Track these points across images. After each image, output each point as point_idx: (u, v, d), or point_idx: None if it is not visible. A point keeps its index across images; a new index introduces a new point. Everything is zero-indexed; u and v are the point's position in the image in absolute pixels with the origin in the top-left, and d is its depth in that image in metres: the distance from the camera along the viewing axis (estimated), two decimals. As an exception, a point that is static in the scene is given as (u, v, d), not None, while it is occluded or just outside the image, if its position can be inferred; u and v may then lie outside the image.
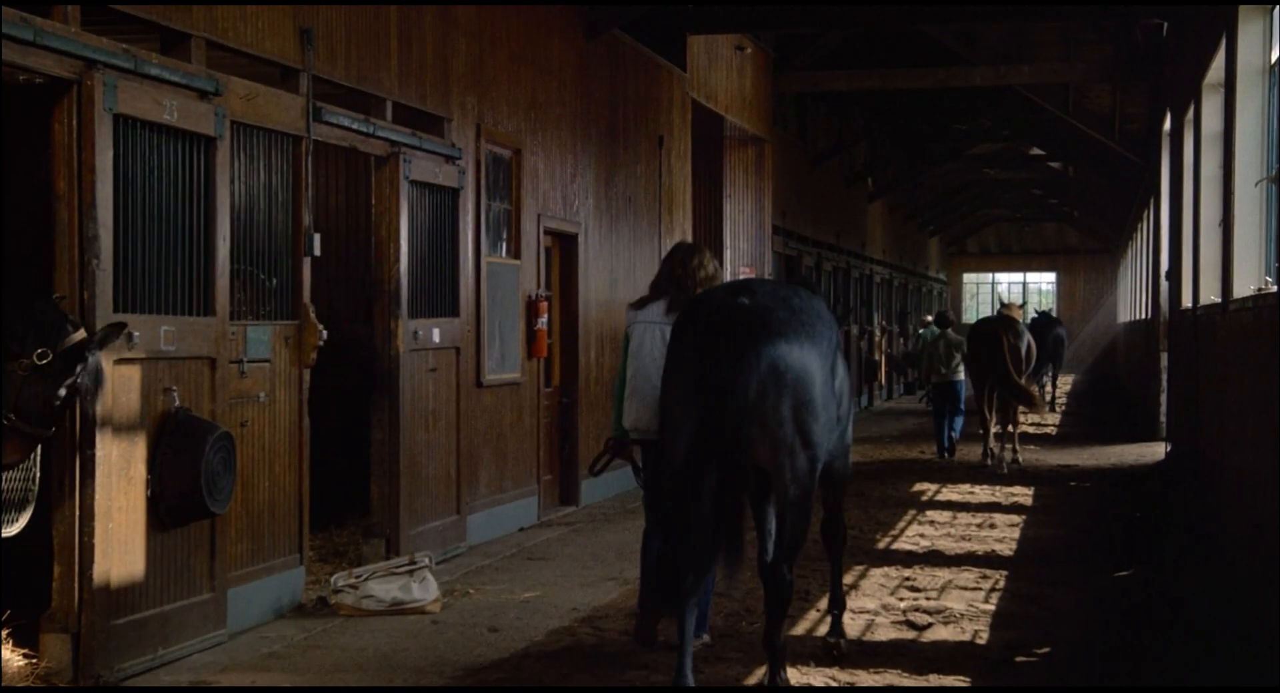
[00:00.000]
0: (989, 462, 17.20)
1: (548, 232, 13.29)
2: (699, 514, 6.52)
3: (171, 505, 7.37)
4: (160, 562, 7.42)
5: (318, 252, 9.02)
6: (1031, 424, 24.66)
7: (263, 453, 8.49)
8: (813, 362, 6.52)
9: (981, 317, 22.87)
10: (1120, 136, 24.80)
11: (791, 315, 6.56)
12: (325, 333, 8.98)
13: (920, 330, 27.96)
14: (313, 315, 8.92)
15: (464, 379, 11.18)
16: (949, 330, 18.73)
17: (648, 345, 7.61)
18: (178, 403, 7.47)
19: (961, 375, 18.25)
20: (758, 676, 7.21)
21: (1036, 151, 34.29)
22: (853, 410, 7.81)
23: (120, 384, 7.10)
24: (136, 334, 7.12)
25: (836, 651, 7.61)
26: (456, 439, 11.10)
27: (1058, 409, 28.84)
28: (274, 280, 8.61)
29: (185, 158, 7.65)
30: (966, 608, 8.85)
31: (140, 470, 7.26)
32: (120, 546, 7.09)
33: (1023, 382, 16.81)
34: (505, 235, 12.46)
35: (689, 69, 17.97)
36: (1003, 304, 18.69)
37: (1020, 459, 17.50)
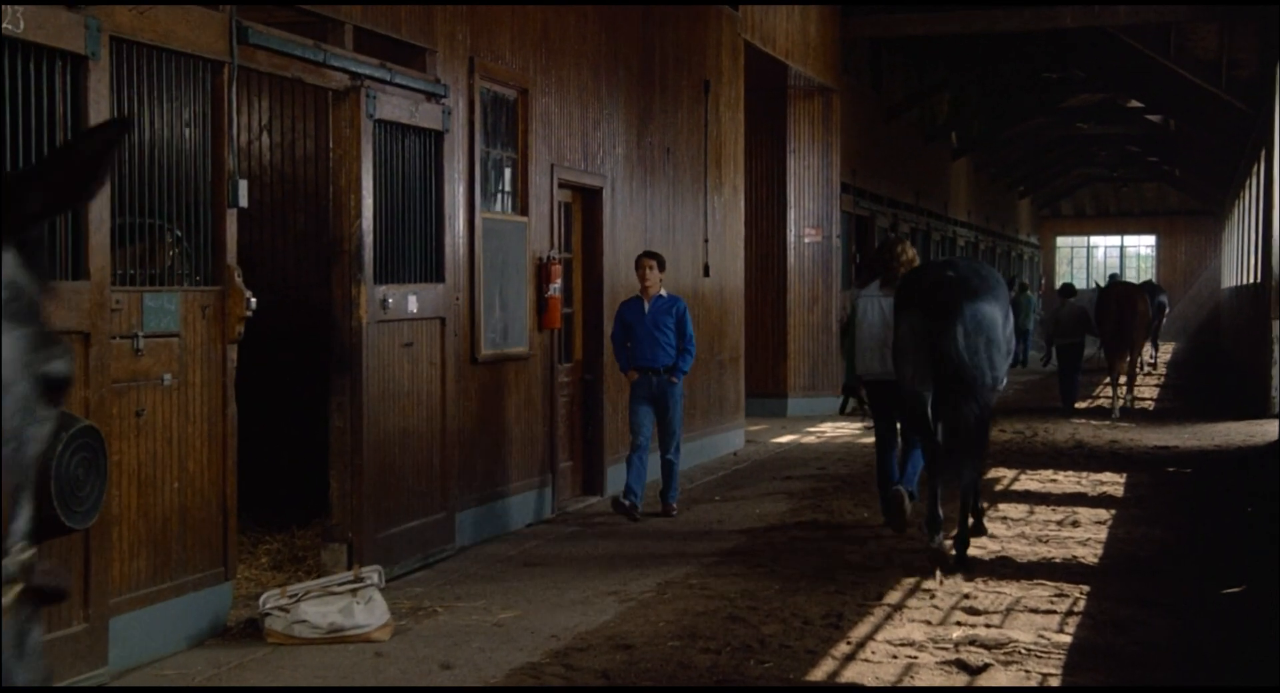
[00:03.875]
0: (1113, 411, 19.36)
1: (565, 185, 11.66)
2: (926, 421, 9.34)
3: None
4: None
5: (244, 202, 7.47)
6: (1124, 411, 22.77)
7: (169, 448, 6.98)
8: (996, 313, 9.13)
9: (1109, 280, 25.66)
10: (1227, 83, 22.66)
11: (981, 282, 9.21)
12: (254, 301, 7.45)
13: (1016, 296, 28.54)
14: (238, 280, 7.39)
15: (452, 355, 9.61)
16: (1072, 299, 20.92)
17: (870, 313, 10.37)
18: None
19: (1083, 339, 20.59)
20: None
21: (1134, 104, 31.98)
22: (1014, 354, 10.29)
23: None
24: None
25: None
26: (442, 424, 9.55)
27: (1154, 373, 28.66)
28: (178, 234, 7.08)
29: (45, 80, 6.13)
30: (1035, 640, 7.12)
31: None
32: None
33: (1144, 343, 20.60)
34: (508, 188, 10.85)
35: (741, 9, 16.20)
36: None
37: (1133, 405, 20.48)
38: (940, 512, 9.24)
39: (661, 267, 11.32)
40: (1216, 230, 46.58)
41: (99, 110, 6.36)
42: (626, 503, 10.88)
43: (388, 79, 8.80)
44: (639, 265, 11.35)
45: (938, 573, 8.58)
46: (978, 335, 8.91)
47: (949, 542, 9.16)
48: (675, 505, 11.42)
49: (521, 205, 10.93)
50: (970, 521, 9.42)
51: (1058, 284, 43.86)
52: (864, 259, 10.57)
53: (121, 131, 1.72)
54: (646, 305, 11.15)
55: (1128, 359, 20.21)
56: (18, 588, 1.57)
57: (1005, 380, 9.75)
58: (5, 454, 1.52)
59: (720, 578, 8.78)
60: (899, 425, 10.31)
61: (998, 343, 9.09)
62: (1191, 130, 31.81)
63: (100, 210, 6.38)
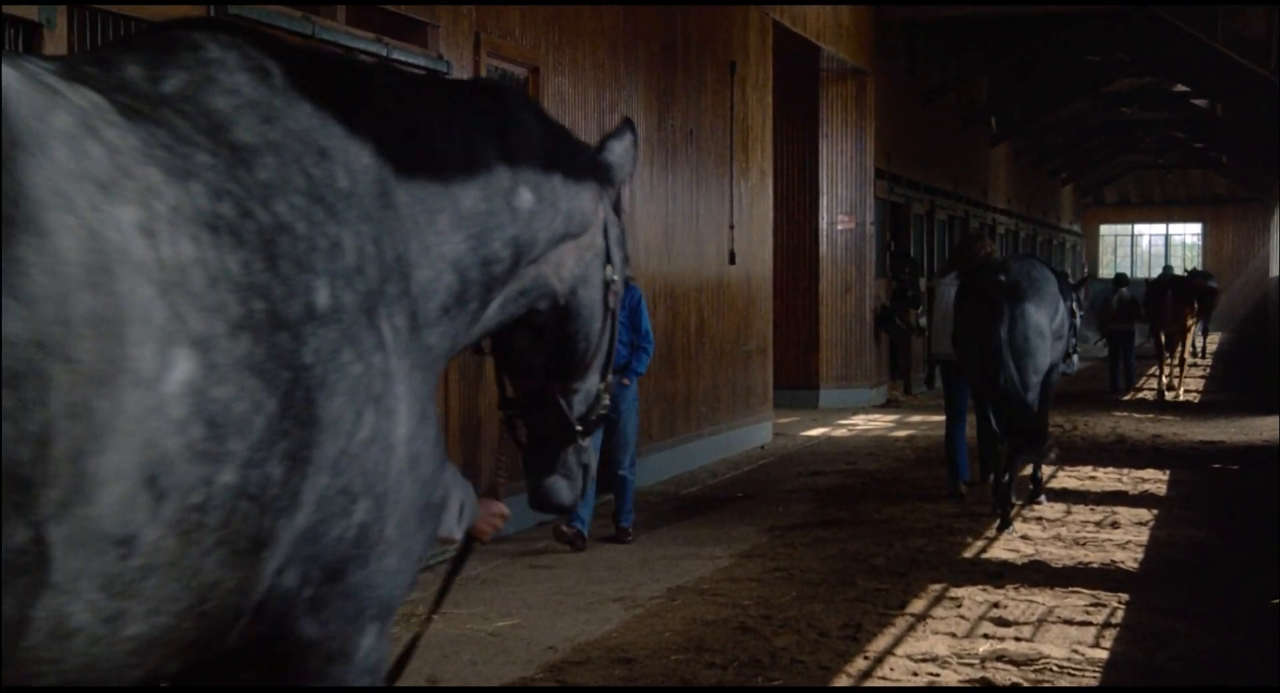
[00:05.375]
0: (1160, 393, 20.67)
1: (579, 168, 11.15)
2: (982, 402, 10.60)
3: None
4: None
5: (223, 184, 7.01)
6: (1172, 394, 22.11)
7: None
8: (1041, 312, 10.13)
9: (1161, 272, 27.11)
10: (1277, 66, 21.85)
11: (1030, 284, 10.16)
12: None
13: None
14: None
15: (455, 345, 9.13)
16: (1124, 288, 22.03)
17: (946, 301, 11.44)
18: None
19: (1133, 326, 21.88)
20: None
21: (1180, 88, 31.18)
22: (1074, 341, 11.15)
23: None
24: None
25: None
26: (444, 419, 9.08)
27: (1201, 363, 28.73)
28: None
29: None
30: (1068, 657, 6.59)
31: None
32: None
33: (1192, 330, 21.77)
34: (519, 171, 10.36)
35: (770, -14, 15.67)
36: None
37: (1181, 394, 21.02)
38: (1006, 477, 10.09)
39: None
40: (1265, 218, 45.57)
41: (56, 83, 5.91)
42: (569, 531, 9.31)
43: (384, 54, 8.32)
44: None
45: (997, 525, 9.90)
46: (1021, 333, 9.97)
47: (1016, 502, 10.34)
48: (631, 530, 9.80)
49: (532, 189, 10.43)
50: (1016, 485, 10.54)
51: (1101, 273, 43.23)
52: (952, 252, 12.20)
53: None
54: None
55: (1177, 348, 21.32)
56: None
57: (1073, 365, 11.27)
58: None
59: (735, 583, 8.28)
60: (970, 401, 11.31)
61: (1043, 336, 10.15)
62: (1239, 115, 30.95)
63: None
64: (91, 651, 1.95)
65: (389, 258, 2.42)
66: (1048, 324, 10.16)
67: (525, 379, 3.25)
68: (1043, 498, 11.04)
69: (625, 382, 9.48)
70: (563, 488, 3.31)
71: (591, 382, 3.27)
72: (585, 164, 3.14)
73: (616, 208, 3.33)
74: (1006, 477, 9.98)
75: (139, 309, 1.89)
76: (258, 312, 2.09)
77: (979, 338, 10.01)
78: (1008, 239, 31.75)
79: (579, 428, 3.27)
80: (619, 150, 3.30)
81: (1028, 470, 11.09)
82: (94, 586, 1.89)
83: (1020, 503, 10.56)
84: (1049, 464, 11.12)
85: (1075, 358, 11.29)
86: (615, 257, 3.24)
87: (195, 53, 2.31)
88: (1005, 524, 9.83)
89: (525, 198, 2.85)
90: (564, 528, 9.28)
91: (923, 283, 22.68)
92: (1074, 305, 10.88)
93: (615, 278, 3.23)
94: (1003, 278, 10.10)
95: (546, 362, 3.19)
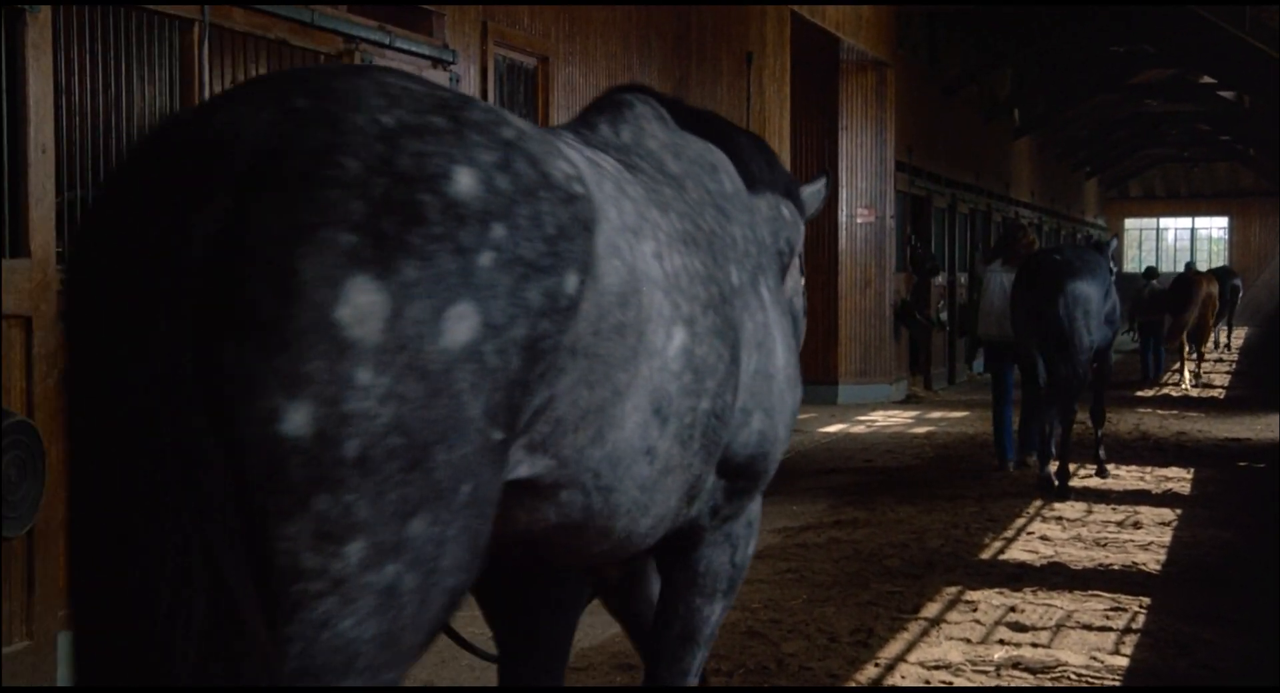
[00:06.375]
0: (1187, 383, 21.90)
1: (590, 160, 10.95)
2: (1036, 374, 11.40)
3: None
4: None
5: (217, 175, 6.83)
6: (1197, 387, 21.82)
7: (129, 443, 6.35)
8: (1093, 291, 10.99)
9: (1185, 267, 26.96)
10: (1305, 57, 21.51)
11: (1083, 264, 11.09)
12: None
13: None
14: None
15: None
16: (1154, 281, 23.18)
17: (993, 286, 12.38)
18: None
19: (1162, 317, 22.45)
20: None
21: (1206, 79, 30.76)
22: (1119, 324, 12.08)
23: None
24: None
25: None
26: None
27: (1225, 358, 28.93)
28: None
29: (-24, 39, 5.52)
30: (1087, 664, 6.36)
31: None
32: None
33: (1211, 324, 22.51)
34: (527, 163, 10.16)
35: (787, -24, 15.42)
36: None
37: (1201, 381, 22.43)
38: (1053, 448, 11.22)
39: None
40: (1292, 212, 45.10)
41: (40, 71, 5.74)
42: None
43: (386, 42, 8.15)
44: None
45: (1045, 491, 11.05)
46: (1075, 307, 10.87)
47: (1053, 469, 11.20)
48: None
49: (542, 181, 10.24)
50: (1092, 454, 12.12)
51: (1126, 268, 43.04)
52: (994, 242, 13.67)
53: None
54: None
55: (1199, 339, 22.54)
56: None
57: (1111, 349, 12.13)
58: None
59: (744, 584, 8.02)
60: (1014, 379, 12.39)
61: (1094, 314, 11.04)
62: (1267, 107, 30.54)
63: (43, 182, 5.77)
64: (630, 528, 2.91)
65: (756, 240, 3.39)
66: (1100, 300, 11.09)
67: None
68: (1105, 471, 12.16)
69: None
70: None
71: None
72: (802, 197, 4.13)
73: None
74: (1061, 449, 11.11)
75: (655, 309, 2.75)
76: (714, 294, 3.02)
77: (1037, 315, 10.96)
78: (1031, 233, 31.39)
79: None
80: (810, 193, 4.26)
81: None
82: (634, 485, 2.80)
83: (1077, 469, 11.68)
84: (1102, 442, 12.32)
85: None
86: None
87: (631, 109, 3.36)
88: (1064, 492, 10.98)
89: (786, 211, 3.87)
90: None
91: (942, 277, 22.41)
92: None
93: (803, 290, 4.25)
94: (1058, 257, 11.26)
95: None
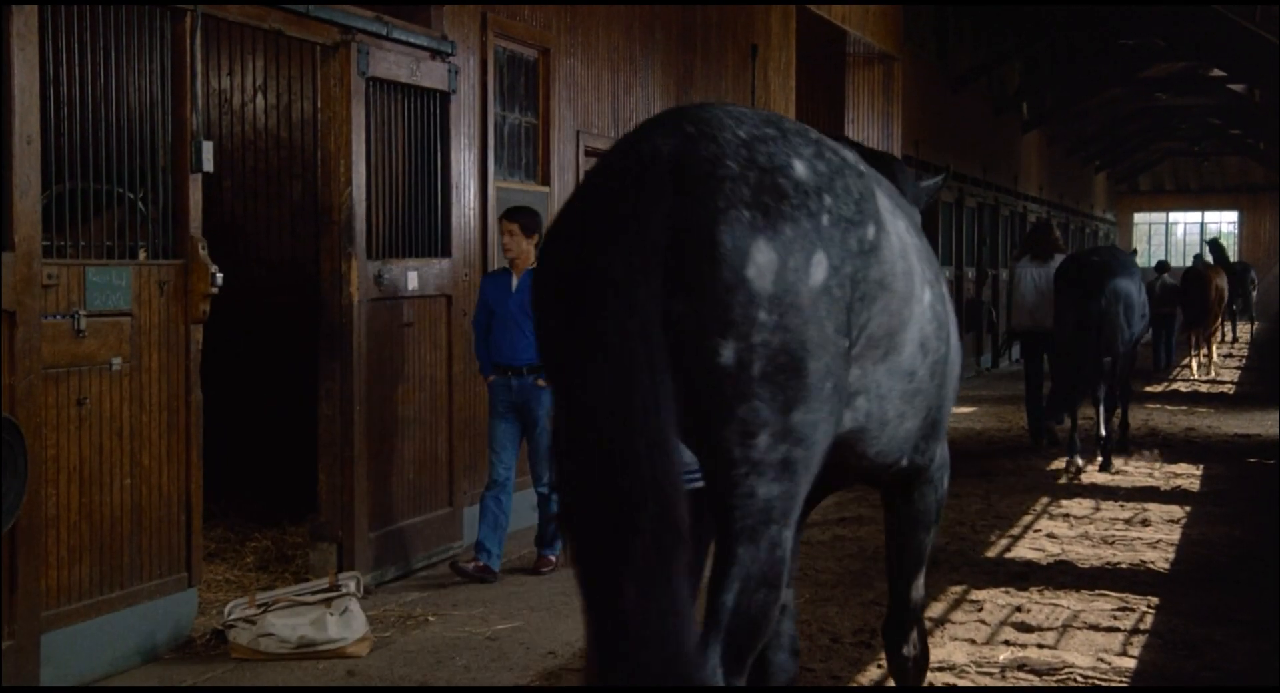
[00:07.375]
0: (1193, 372, 22.74)
1: (591, 153, 10.82)
2: (1073, 362, 11.96)
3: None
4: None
5: (209, 167, 6.73)
6: (1205, 382, 21.64)
7: (118, 440, 6.25)
8: (1132, 288, 11.95)
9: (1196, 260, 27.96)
10: (1316, 50, 21.32)
11: (1120, 265, 12.06)
12: (219, 276, 6.70)
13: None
14: (203, 253, 6.65)
15: (459, 335, 8.84)
16: (1165, 274, 23.16)
17: (1024, 280, 13.36)
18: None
19: (1175, 310, 22.96)
20: None
21: (1216, 73, 30.53)
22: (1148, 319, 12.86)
23: None
24: None
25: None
26: (449, 412, 8.79)
27: (1236, 353, 28.75)
28: (131, 197, 6.34)
29: (-42, 28, 5.41)
30: (1093, 666, 6.24)
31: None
32: None
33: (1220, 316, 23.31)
34: (528, 156, 10.05)
35: (793, -32, 15.27)
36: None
37: (1211, 373, 22.92)
38: (1077, 436, 12.06)
39: (529, 230, 8.05)
40: (1303, 206, 44.83)
41: (25, 61, 5.63)
42: (471, 567, 7.94)
43: (383, 33, 8.03)
44: (501, 230, 8.35)
45: (1071, 469, 11.84)
46: (1116, 303, 11.70)
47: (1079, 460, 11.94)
48: (556, 559, 8.25)
49: (542, 174, 10.13)
50: (1103, 437, 12.35)
51: (1136, 261, 42.97)
52: (1024, 237, 15.46)
53: None
54: (514, 282, 8.09)
55: (1207, 333, 23.11)
56: None
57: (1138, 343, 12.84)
58: None
59: (746, 583, 7.93)
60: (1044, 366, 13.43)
61: (1133, 308, 11.93)
62: (1278, 101, 30.35)
63: (27, 173, 5.66)
64: (891, 434, 3.77)
65: (927, 248, 4.03)
66: (1136, 294, 12.00)
67: None
68: (1129, 447, 13.17)
69: (541, 383, 7.88)
70: None
71: None
72: (922, 199, 5.23)
73: None
74: (1105, 430, 12.10)
75: (916, 268, 3.68)
76: (934, 268, 3.96)
77: (1080, 310, 11.75)
78: (1057, 231, 31.20)
79: None
80: (927, 187, 5.33)
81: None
82: (897, 397, 3.69)
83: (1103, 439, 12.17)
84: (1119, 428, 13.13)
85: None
86: None
87: (848, 150, 3.71)
88: (1106, 464, 12.06)
89: (915, 229, 4.28)
90: (463, 564, 8.03)
91: (947, 271, 22.25)
92: None
93: None
94: (1097, 258, 12.16)
95: None
